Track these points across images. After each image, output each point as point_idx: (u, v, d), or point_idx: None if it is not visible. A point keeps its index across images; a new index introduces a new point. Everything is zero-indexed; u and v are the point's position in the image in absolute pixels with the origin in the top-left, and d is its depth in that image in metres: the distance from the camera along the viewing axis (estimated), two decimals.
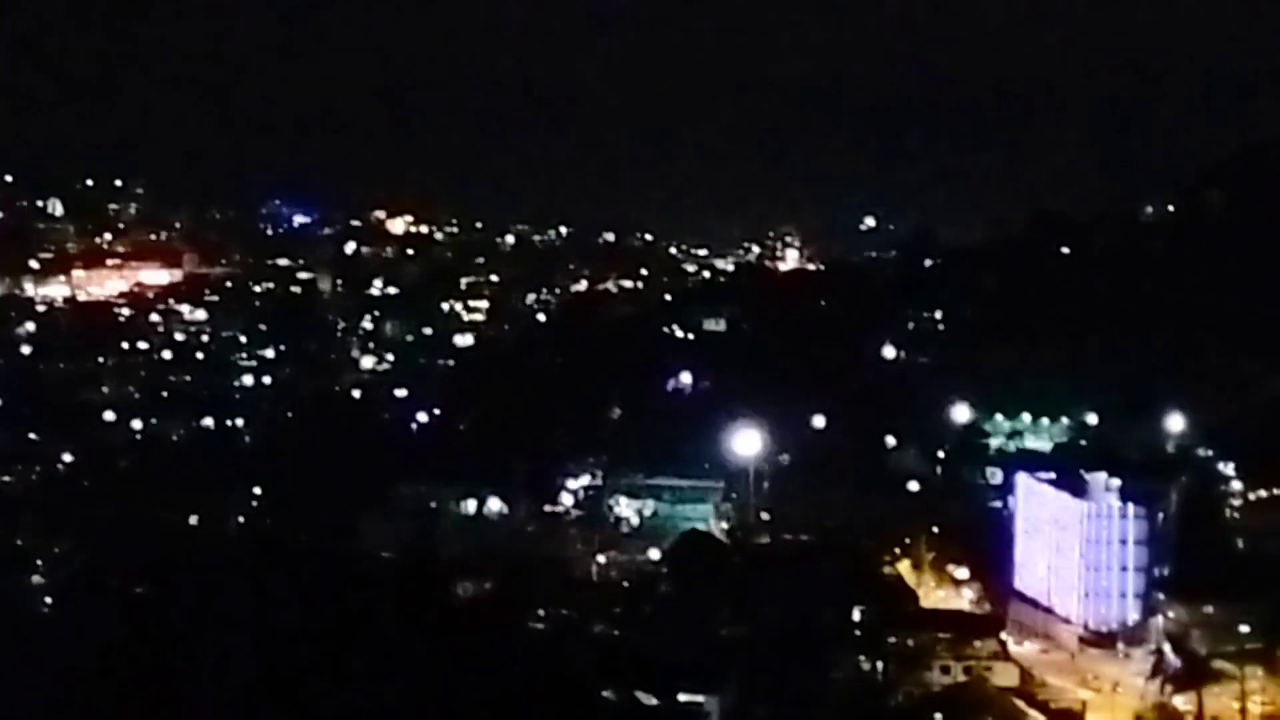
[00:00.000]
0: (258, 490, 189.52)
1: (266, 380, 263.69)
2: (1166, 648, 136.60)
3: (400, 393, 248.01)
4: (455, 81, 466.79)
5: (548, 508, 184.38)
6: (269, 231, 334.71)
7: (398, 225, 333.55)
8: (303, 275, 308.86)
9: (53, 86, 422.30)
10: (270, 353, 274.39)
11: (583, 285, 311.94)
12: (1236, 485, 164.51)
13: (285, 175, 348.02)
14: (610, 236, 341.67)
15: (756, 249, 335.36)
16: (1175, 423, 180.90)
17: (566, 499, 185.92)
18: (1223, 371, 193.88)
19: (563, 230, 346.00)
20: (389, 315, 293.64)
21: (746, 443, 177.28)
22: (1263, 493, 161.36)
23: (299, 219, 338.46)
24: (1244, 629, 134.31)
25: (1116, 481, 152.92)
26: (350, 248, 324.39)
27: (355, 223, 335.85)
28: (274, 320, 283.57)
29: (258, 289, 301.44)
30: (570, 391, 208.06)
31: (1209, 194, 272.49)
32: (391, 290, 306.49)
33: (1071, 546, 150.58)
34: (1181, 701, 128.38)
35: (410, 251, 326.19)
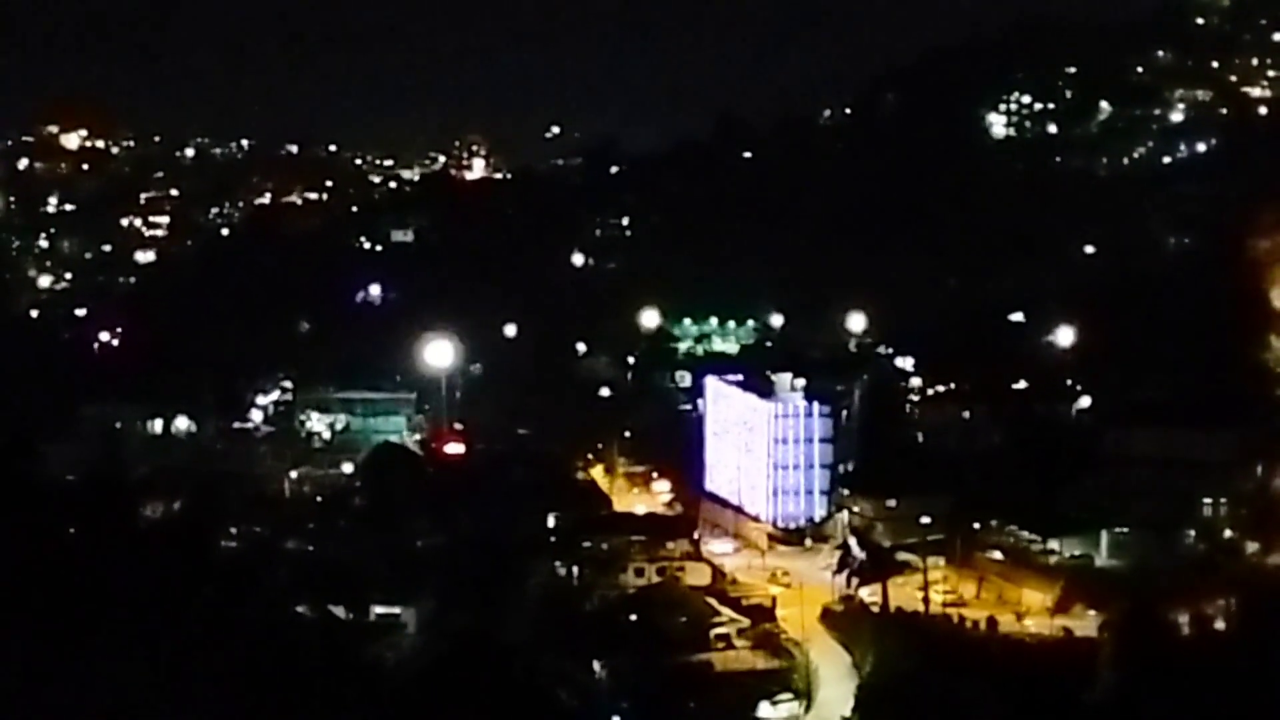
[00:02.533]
0: None
1: None
2: (852, 542, 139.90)
3: (80, 312, 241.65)
4: None
5: (237, 425, 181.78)
6: None
7: (72, 140, 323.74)
8: None
9: None
10: None
11: (266, 198, 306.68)
12: (915, 382, 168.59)
13: None
14: (293, 148, 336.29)
15: (443, 159, 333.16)
16: (856, 322, 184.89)
17: (256, 415, 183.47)
18: (901, 271, 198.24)
19: (244, 143, 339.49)
20: (65, 233, 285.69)
21: (438, 354, 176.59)
22: (940, 388, 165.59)
23: None
24: (925, 521, 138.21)
25: (801, 381, 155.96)
26: (22, 164, 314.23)
27: (26, 138, 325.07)
28: None
29: None
30: (257, 306, 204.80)
31: (884, 98, 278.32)
32: (68, 207, 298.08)
33: (759, 446, 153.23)
34: (867, 593, 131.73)
35: (86, 167, 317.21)
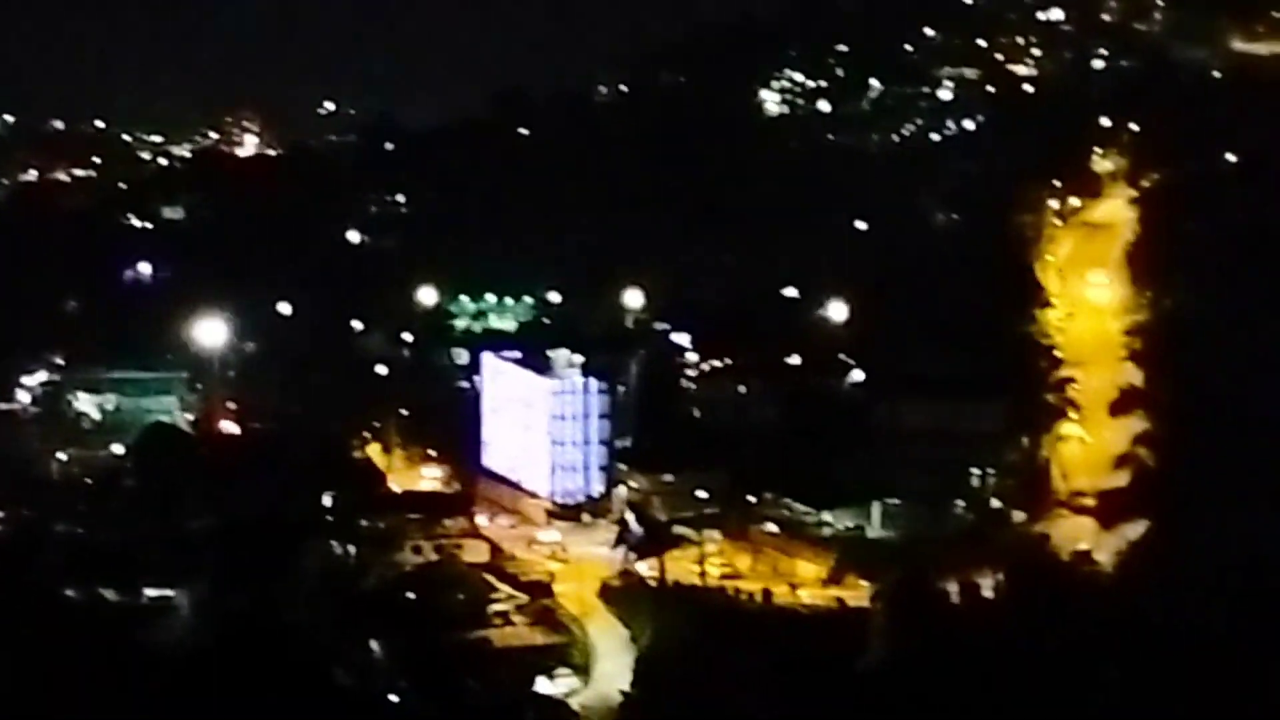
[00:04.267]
0: None
1: None
2: (630, 517, 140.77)
3: None
4: None
5: (2, 406, 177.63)
6: None
7: None
8: None
9: None
10: None
11: (32, 175, 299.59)
12: (692, 357, 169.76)
13: None
14: (59, 124, 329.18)
15: (214, 135, 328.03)
16: (634, 298, 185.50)
17: (22, 396, 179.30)
18: (677, 248, 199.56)
19: (7, 118, 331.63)
20: None
21: (210, 332, 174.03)
22: (716, 363, 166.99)
23: None
24: (702, 495, 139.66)
25: (579, 358, 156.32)
26: None
27: None
28: None
29: None
30: (23, 286, 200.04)
31: (660, 74, 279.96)
32: None
33: (537, 423, 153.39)
34: (645, 568, 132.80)
35: None
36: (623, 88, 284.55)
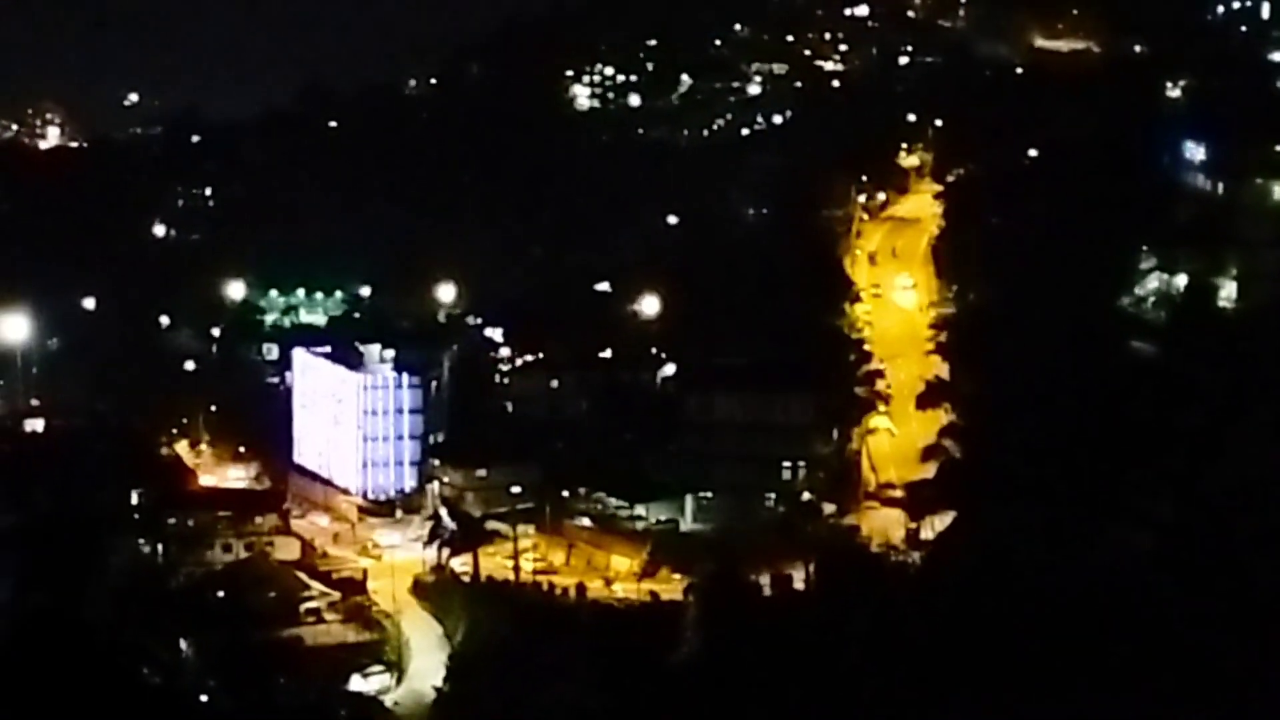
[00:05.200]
0: None
1: None
2: (443, 512, 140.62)
3: None
4: None
5: None
6: None
7: None
8: None
9: None
10: None
11: None
12: (505, 352, 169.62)
13: None
14: None
15: (15, 126, 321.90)
16: (446, 292, 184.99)
17: None
18: (489, 242, 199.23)
19: None
20: None
21: (12, 328, 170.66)
22: (529, 358, 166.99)
23: None
24: (516, 490, 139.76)
25: (390, 352, 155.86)
26: None
27: None
28: None
29: None
30: None
31: (469, 68, 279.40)
32: None
33: (349, 419, 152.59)
34: (459, 563, 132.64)
35: None
36: (433, 81, 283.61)
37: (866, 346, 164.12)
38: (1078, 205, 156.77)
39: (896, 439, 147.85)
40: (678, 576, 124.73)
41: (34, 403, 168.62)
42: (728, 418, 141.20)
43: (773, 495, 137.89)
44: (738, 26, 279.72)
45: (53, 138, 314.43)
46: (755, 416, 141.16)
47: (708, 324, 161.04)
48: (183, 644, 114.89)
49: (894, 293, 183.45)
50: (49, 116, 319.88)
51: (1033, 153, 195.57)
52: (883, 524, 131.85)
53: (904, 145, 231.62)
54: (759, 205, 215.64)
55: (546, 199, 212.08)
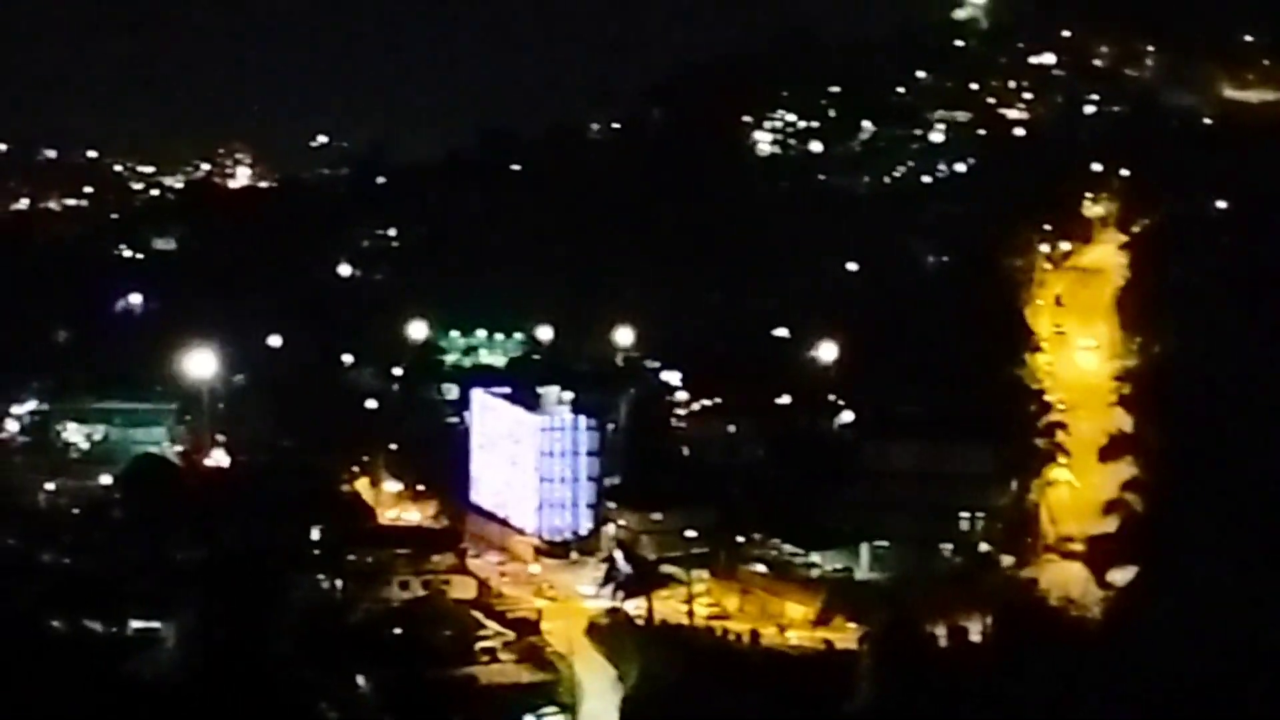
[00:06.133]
0: None
1: None
2: (618, 555, 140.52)
3: None
4: None
5: None
6: None
7: None
8: None
9: None
10: None
11: (23, 204, 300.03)
12: (681, 396, 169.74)
13: None
14: (51, 153, 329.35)
15: (206, 166, 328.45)
16: (624, 336, 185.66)
17: (11, 425, 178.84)
18: (668, 286, 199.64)
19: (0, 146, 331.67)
20: None
21: (200, 364, 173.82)
22: (705, 402, 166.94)
23: None
24: (690, 534, 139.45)
25: (569, 395, 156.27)
26: None
27: None
28: None
29: None
30: (13, 315, 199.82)
31: (652, 112, 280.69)
32: None
33: (526, 460, 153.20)
34: (632, 606, 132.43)
35: None
36: (615, 125, 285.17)
37: (1047, 397, 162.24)
38: (1266, 258, 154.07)
39: (1077, 491, 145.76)
40: (852, 625, 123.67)
41: (219, 438, 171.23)
42: (905, 466, 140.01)
43: (950, 545, 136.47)
44: (921, 73, 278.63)
45: (242, 177, 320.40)
46: (933, 465, 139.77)
47: (886, 371, 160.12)
48: (360, 680, 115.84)
49: (1077, 344, 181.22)
50: (239, 156, 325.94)
51: (1221, 204, 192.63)
52: (1062, 577, 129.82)
53: (1088, 194, 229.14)
54: (940, 253, 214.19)
55: (726, 244, 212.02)
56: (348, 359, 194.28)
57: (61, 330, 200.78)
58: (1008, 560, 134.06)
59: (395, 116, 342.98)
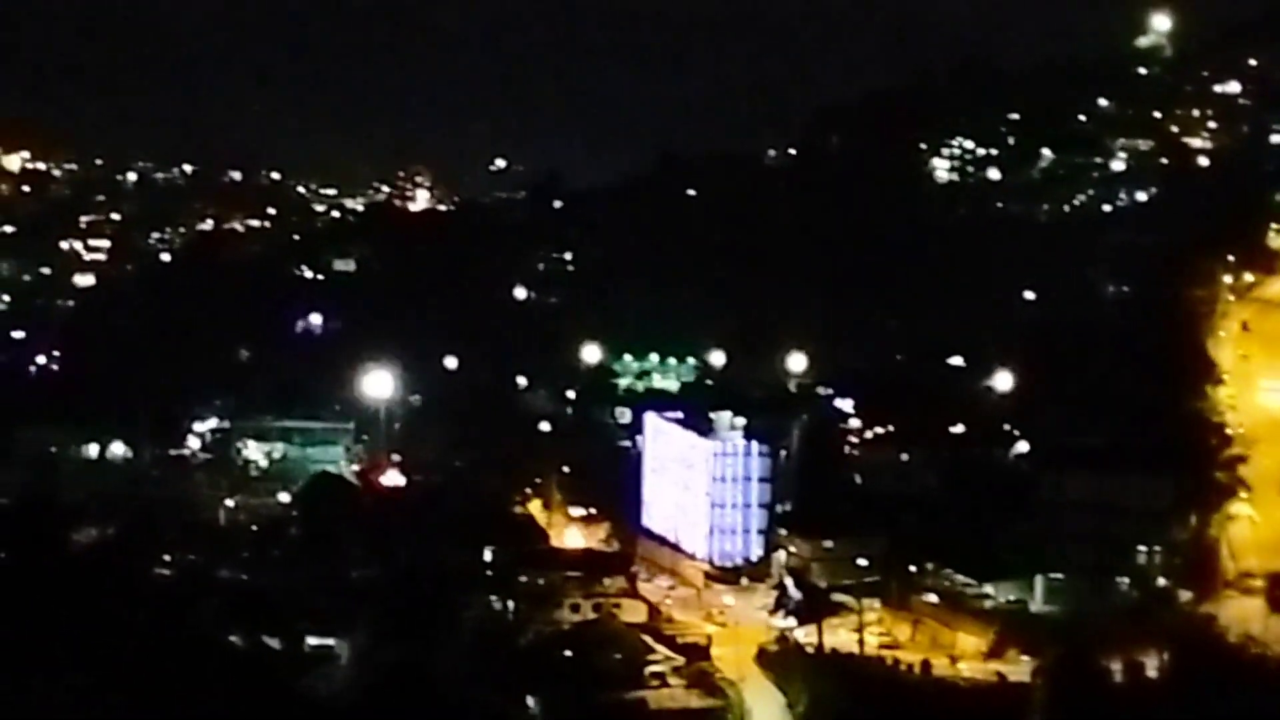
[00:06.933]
0: None
1: None
2: (788, 582, 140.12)
3: (17, 335, 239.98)
4: (69, 11, 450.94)
5: (173, 451, 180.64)
6: None
7: (12, 162, 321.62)
8: None
9: None
10: None
11: (208, 224, 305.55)
12: (854, 423, 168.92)
13: None
14: (236, 175, 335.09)
15: (386, 189, 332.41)
16: (797, 362, 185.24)
17: (193, 442, 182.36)
18: (842, 312, 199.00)
19: (187, 168, 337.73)
20: (4, 255, 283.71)
21: (377, 384, 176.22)
22: (878, 430, 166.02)
23: None
24: (862, 562, 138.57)
25: (741, 420, 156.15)
26: None
27: None
28: None
29: None
30: (196, 333, 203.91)
31: (828, 138, 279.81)
32: (7, 229, 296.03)
33: (698, 484, 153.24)
34: (803, 634, 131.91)
35: (26, 189, 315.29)
36: (791, 150, 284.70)
37: (1229, 430, 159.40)
38: None
39: (1258, 526, 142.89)
40: (1026, 658, 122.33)
41: (395, 458, 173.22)
42: (1081, 498, 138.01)
43: (1126, 579, 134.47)
44: (1102, 101, 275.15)
45: (421, 200, 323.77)
46: (1110, 498, 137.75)
47: (1063, 402, 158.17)
48: (530, 701, 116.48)
49: (1260, 377, 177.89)
50: (418, 179, 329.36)
51: None
52: (1242, 614, 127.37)
53: (1273, 225, 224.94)
54: (1119, 283, 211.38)
55: (901, 271, 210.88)
56: (522, 381, 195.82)
57: (243, 349, 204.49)
58: (1186, 595, 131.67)
59: (572, 141, 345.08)
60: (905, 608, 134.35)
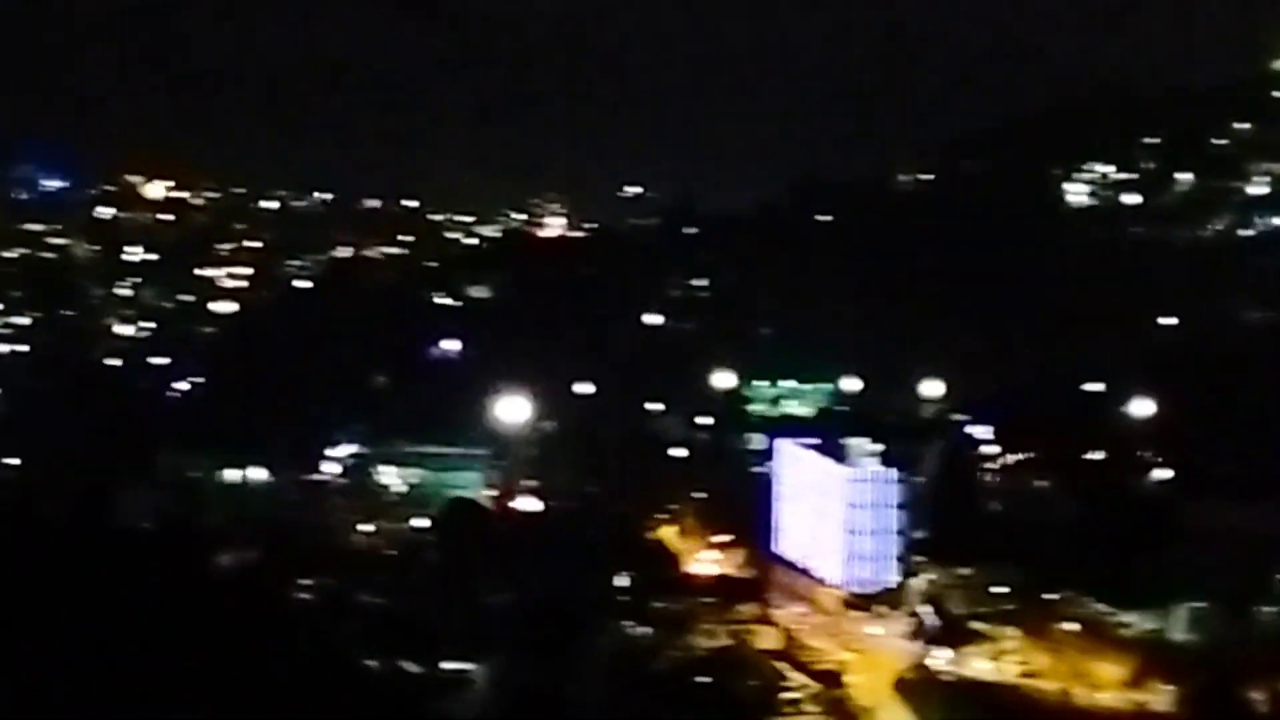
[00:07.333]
0: (12, 461, 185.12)
1: (20, 348, 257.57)
2: (925, 609, 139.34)
3: (159, 361, 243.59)
4: (210, 43, 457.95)
5: (311, 476, 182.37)
6: (19, 196, 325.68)
7: (155, 190, 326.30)
8: (56, 241, 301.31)
9: None
10: (23, 320, 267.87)
11: (346, 252, 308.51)
12: (992, 450, 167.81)
13: (36, 139, 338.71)
14: (374, 203, 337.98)
15: (521, 216, 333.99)
16: (933, 388, 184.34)
17: (331, 468, 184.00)
18: (978, 338, 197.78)
19: (325, 196, 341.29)
20: (147, 282, 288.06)
21: (512, 410, 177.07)
22: (1016, 456, 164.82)
23: (51, 183, 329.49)
24: (999, 590, 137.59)
25: (877, 447, 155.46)
26: (105, 212, 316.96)
27: (110, 187, 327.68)
28: (27, 287, 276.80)
29: (8, 255, 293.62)
30: (334, 359, 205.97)
31: (963, 164, 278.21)
32: (149, 256, 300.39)
33: (833, 511, 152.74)
34: (940, 661, 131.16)
35: (168, 217, 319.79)
36: (924, 176, 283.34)
37: None
38: None
39: None
40: (1167, 688, 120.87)
41: (529, 484, 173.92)
42: (1224, 526, 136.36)
43: (1270, 608, 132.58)
44: (1240, 125, 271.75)
45: (555, 227, 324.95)
46: (1252, 525, 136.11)
47: (1204, 429, 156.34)
48: None
49: None
50: (552, 206, 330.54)
51: None
52: None
53: None
54: (1259, 308, 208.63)
55: (1037, 297, 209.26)
56: (655, 407, 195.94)
57: (380, 375, 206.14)
58: None
59: (705, 167, 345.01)
60: (1044, 636, 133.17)
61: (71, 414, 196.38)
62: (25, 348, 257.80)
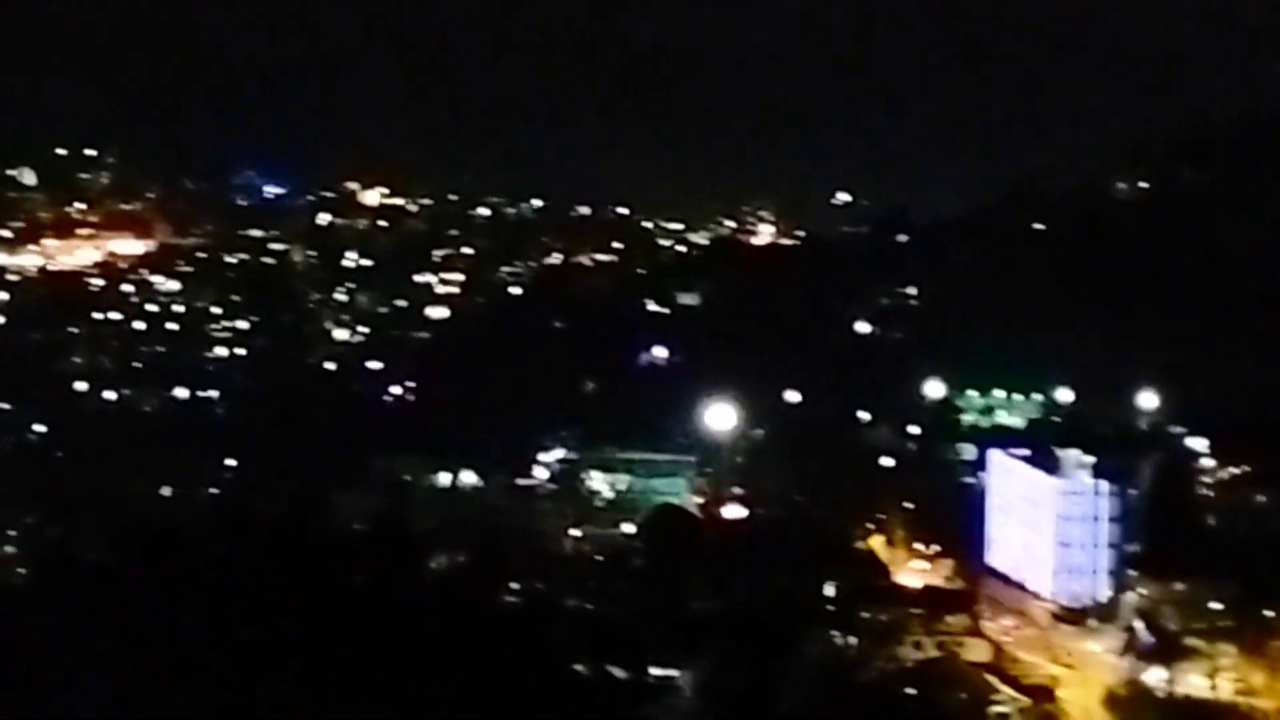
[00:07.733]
0: (231, 462, 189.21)
1: (240, 352, 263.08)
2: (1138, 624, 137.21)
3: (374, 365, 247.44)
4: (428, 54, 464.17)
5: (521, 481, 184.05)
6: (241, 202, 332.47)
7: (371, 197, 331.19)
8: (275, 246, 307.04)
9: (21, 52, 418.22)
10: (243, 324, 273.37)
11: (557, 258, 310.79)
12: (1208, 463, 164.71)
13: (258, 146, 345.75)
14: (585, 210, 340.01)
15: (730, 223, 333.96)
16: (1148, 400, 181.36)
17: (540, 472, 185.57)
18: (1196, 350, 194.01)
19: (537, 203, 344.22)
20: (362, 287, 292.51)
21: (720, 417, 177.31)
22: (1234, 470, 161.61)
23: (272, 190, 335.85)
24: (1215, 606, 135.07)
25: (1090, 458, 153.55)
26: (324, 219, 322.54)
27: (328, 194, 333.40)
28: (247, 292, 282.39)
29: (230, 260, 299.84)
30: (544, 364, 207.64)
31: (1183, 171, 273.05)
32: (365, 262, 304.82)
33: (1044, 523, 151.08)
34: (1153, 678, 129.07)
35: (384, 223, 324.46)
36: (1142, 184, 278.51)
37: None
38: None
39: None
40: None
41: (737, 491, 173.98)
42: None
43: None
44: None
45: (765, 234, 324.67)
46: None
47: None
48: None
49: None
50: (762, 214, 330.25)
51: None
52: None
53: None
54: None
55: (1258, 307, 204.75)
56: (865, 416, 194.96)
57: (589, 381, 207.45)
58: None
59: (918, 174, 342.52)
60: (1261, 653, 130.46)
61: (288, 417, 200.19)
62: (244, 351, 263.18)
